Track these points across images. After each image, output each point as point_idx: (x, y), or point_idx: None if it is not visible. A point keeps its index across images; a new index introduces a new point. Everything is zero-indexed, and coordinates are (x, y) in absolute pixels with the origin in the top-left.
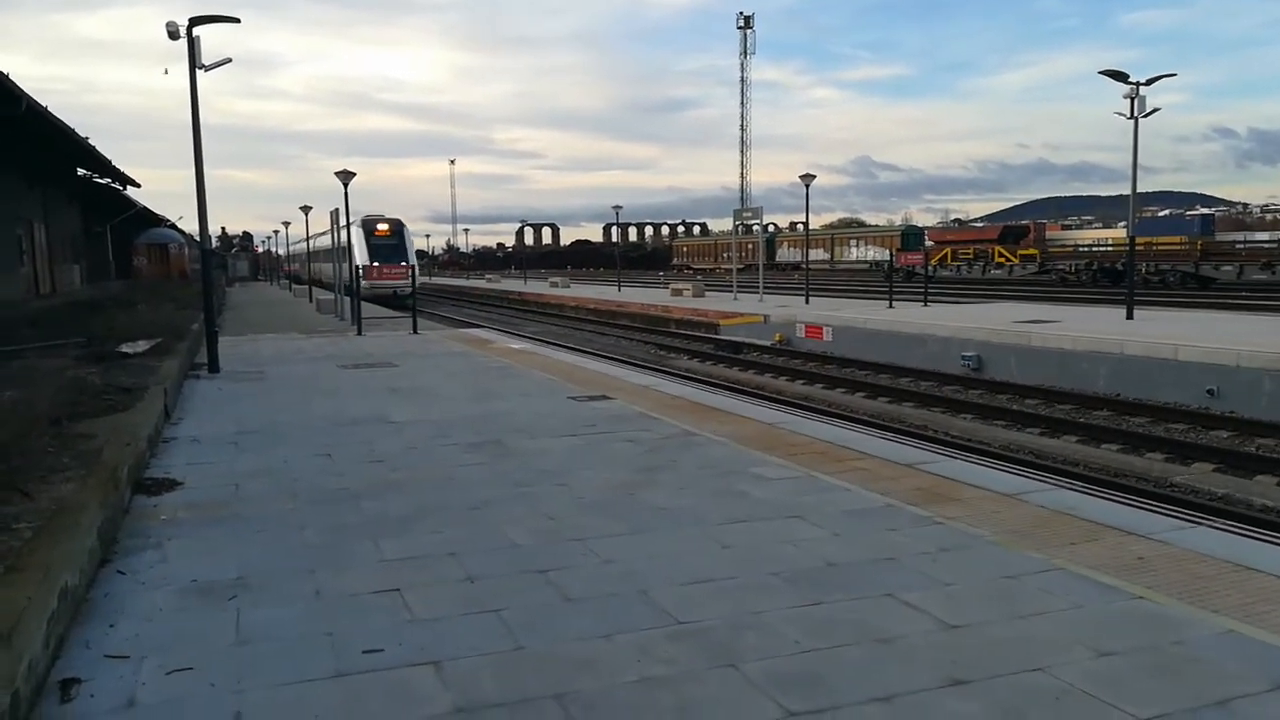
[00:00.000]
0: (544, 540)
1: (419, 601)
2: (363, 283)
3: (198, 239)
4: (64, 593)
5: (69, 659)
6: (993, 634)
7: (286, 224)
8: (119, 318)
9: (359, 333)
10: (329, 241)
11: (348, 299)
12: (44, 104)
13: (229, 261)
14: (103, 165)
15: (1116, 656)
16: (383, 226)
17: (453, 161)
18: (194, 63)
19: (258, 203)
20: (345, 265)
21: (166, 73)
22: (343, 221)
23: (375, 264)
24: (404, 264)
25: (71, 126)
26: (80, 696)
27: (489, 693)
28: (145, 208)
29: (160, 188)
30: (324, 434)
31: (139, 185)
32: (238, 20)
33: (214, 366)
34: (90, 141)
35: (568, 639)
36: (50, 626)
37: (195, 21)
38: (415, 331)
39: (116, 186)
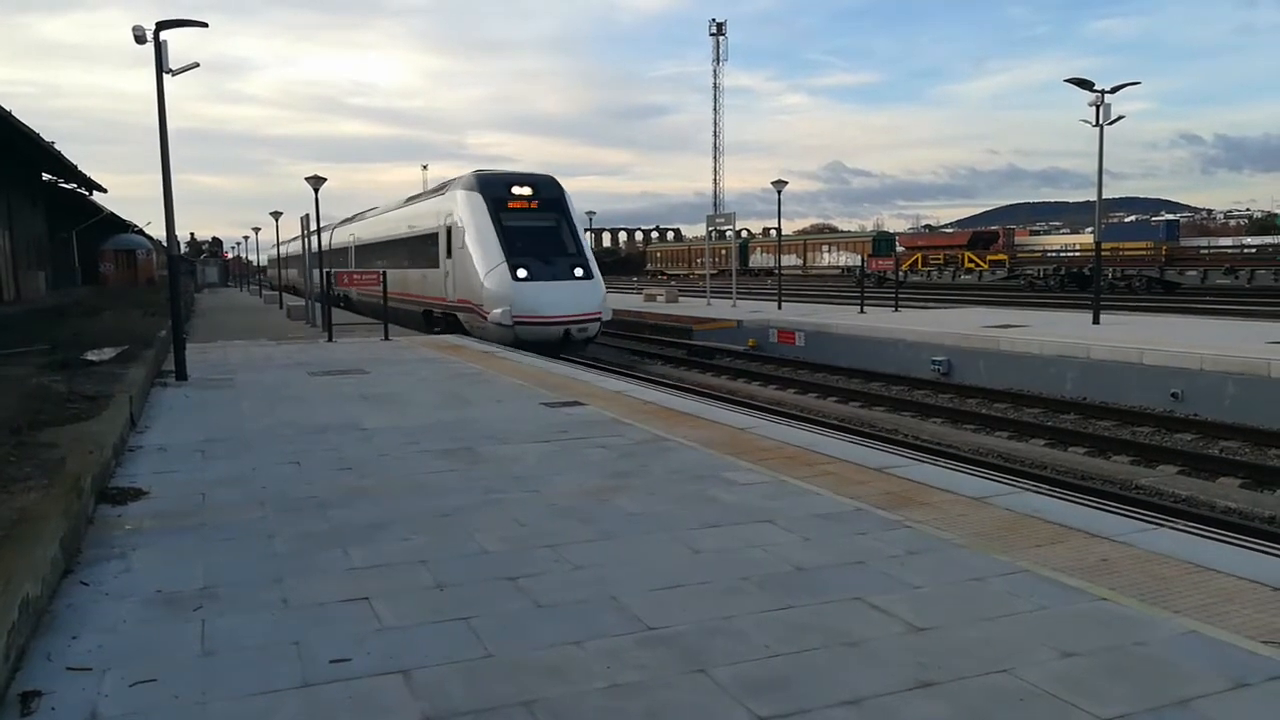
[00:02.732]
0: (515, 547)
1: (388, 610)
2: (501, 317)
3: (165, 244)
4: (25, 604)
5: (30, 671)
6: (959, 636)
7: (257, 229)
8: (84, 324)
9: (330, 339)
10: (388, 228)
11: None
12: (8, 107)
13: (198, 267)
14: (68, 170)
15: (1080, 657)
16: (521, 189)
17: (425, 167)
18: (161, 67)
19: (227, 208)
20: (438, 270)
21: None
22: (315, 224)
23: (525, 275)
24: (579, 268)
25: (36, 131)
26: (41, 710)
27: (458, 701)
28: (112, 213)
29: (127, 192)
30: (293, 442)
31: (105, 190)
32: (205, 24)
33: (182, 374)
34: (56, 146)
35: (538, 646)
36: (10, 638)
37: (162, 26)
38: (387, 338)
39: (82, 191)
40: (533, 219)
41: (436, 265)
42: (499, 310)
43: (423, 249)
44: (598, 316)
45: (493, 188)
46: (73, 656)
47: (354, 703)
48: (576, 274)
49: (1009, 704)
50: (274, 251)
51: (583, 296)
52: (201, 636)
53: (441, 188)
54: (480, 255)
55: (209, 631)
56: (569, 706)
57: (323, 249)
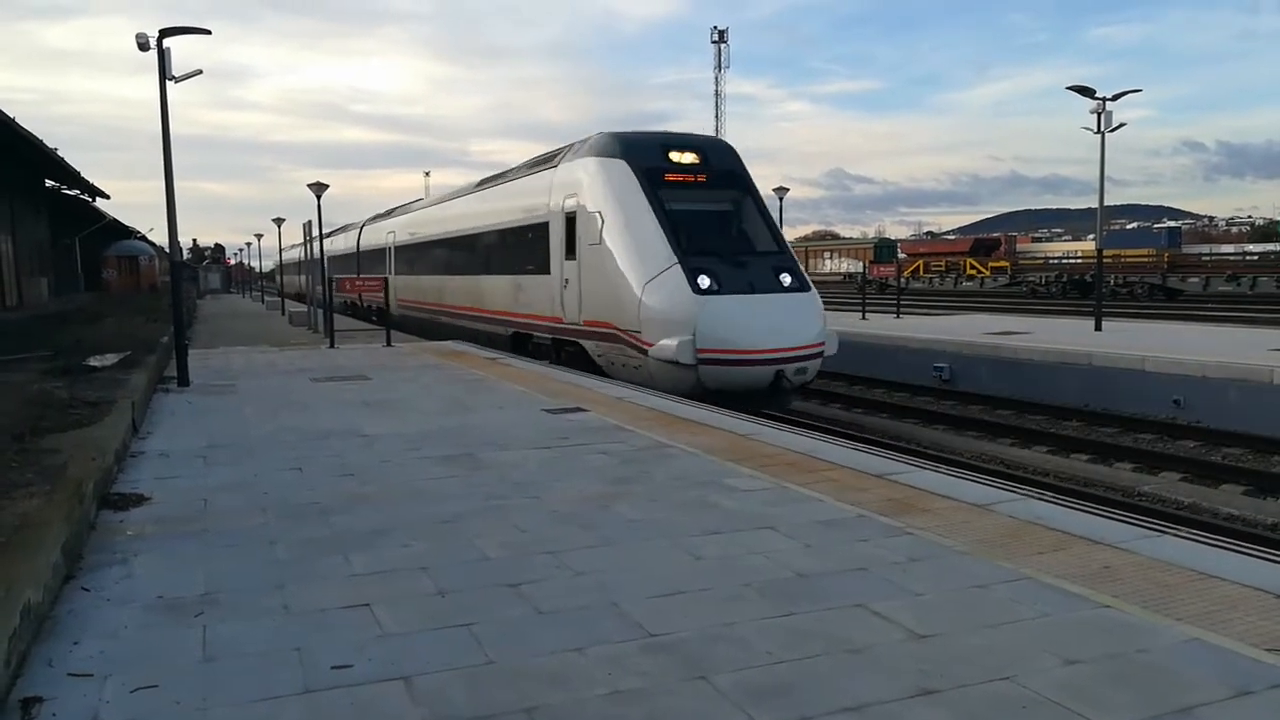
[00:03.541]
0: (516, 553)
1: (389, 616)
2: (677, 352)
3: (168, 251)
4: (26, 610)
5: (31, 677)
6: (962, 643)
7: (259, 236)
8: (87, 330)
9: (332, 345)
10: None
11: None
12: (11, 114)
13: (200, 274)
14: (71, 176)
15: (1082, 665)
16: (682, 155)
17: (428, 174)
18: (164, 74)
19: (229, 214)
20: (546, 277)
21: None
22: (322, 230)
23: (710, 286)
24: (786, 274)
25: (39, 137)
26: (42, 716)
27: (459, 708)
28: (115, 219)
29: (130, 199)
30: (295, 448)
31: (108, 197)
32: (208, 32)
33: (184, 380)
34: (59, 152)
35: (539, 653)
36: (12, 644)
37: (165, 33)
38: (389, 344)
39: (85, 198)
40: (705, 199)
41: (542, 269)
42: (672, 342)
43: (514, 247)
44: (820, 350)
45: (642, 153)
46: (74, 662)
47: (355, 709)
48: (784, 283)
49: (1011, 712)
50: (293, 254)
51: (798, 318)
52: (203, 642)
53: (549, 159)
54: (633, 254)
55: (210, 637)
56: (570, 713)
57: (358, 251)
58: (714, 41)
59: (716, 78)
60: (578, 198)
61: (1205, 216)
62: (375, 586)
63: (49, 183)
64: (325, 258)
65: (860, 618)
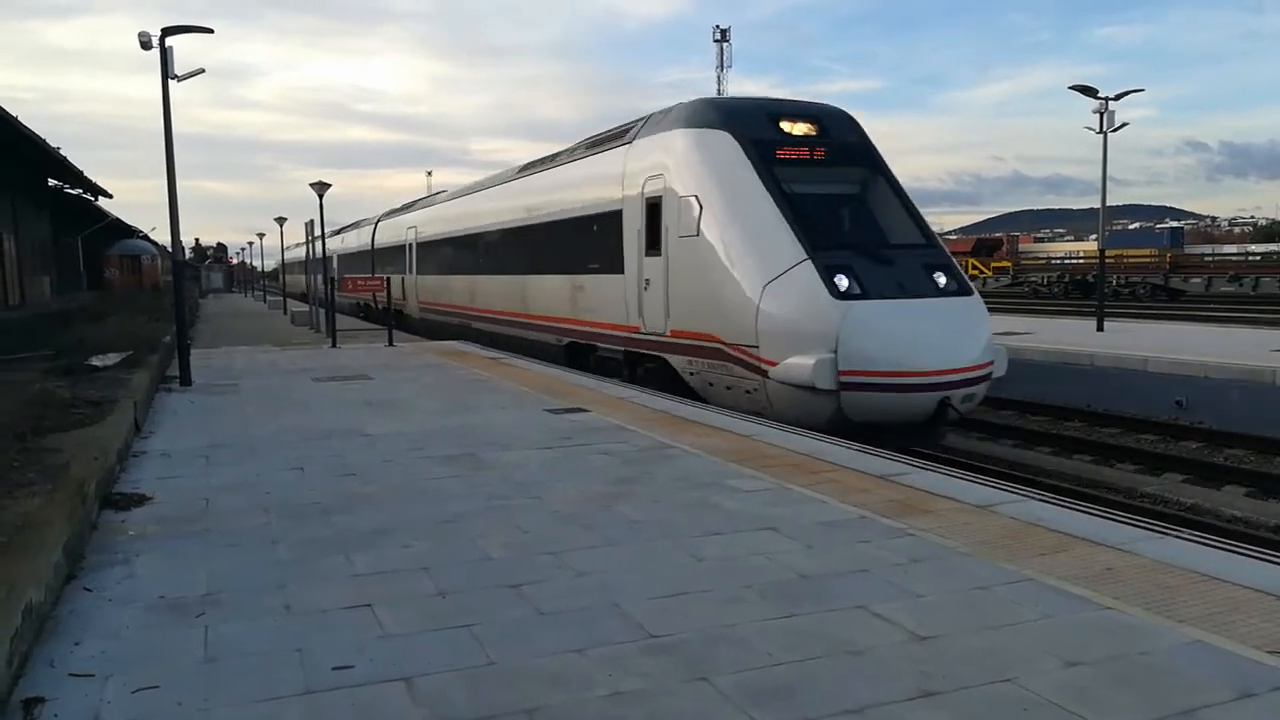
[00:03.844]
0: (517, 554)
1: (390, 616)
2: (814, 373)
3: (170, 250)
4: (28, 610)
5: (33, 678)
6: (963, 645)
7: (261, 235)
8: (89, 330)
9: (334, 345)
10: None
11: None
12: (14, 113)
13: (203, 273)
14: (74, 175)
15: (1084, 667)
16: (795, 125)
17: (430, 173)
18: (167, 73)
19: (232, 213)
20: (618, 277)
21: None
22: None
23: (851, 287)
24: (941, 273)
25: (42, 136)
26: (44, 716)
27: (460, 709)
28: (117, 218)
29: (133, 198)
30: (297, 447)
31: (111, 196)
32: (211, 30)
33: (186, 379)
34: (61, 151)
35: (540, 653)
36: (13, 645)
37: (168, 32)
38: (391, 344)
39: (88, 197)
40: (827, 179)
41: (610, 268)
42: (805, 361)
43: (572, 242)
44: (988, 371)
45: (748, 122)
46: (75, 663)
47: (356, 710)
48: (940, 284)
49: (1012, 713)
50: (296, 253)
51: (963, 330)
52: (204, 643)
53: (617, 135)
54: (746, 248)
55: (212, 638)
56: (571, 714)
57: (373, 248)
58: (716, 40)
59: (719, 77)
60: (664, 179)
61: (1208, 217)
62: (377, 587)
63: (51, 182)
64: (334, 257)
65: (862, 619)
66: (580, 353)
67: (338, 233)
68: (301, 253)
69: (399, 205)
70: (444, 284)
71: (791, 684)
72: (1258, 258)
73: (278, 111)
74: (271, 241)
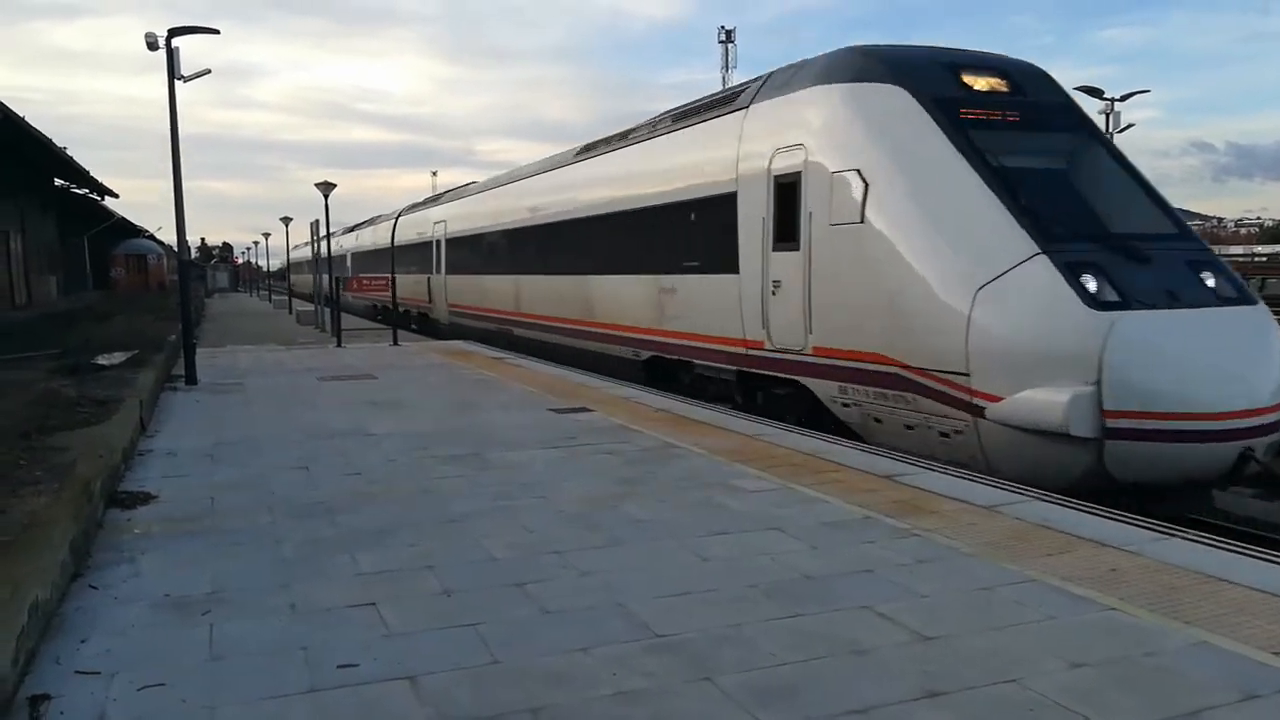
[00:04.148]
0: (522, 553)
1: (395, 615)
2: (1066, 414)
3: (176, 250)
4: (34, 608)
5: (39, 675)
6: (967, 645)
7: (267, 235)
8: (95, 329)
9: (339, 344)
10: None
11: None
12: (20, 114)
13: (208, 273)
14: (80, 175)
15: (1089, 668)
16: (980, 77)
17: (434, 173)
18: (173, 73)
19: (237, 213)
20: (729, 278)
21: None
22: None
23: (1107, 293)
24: (1209, 273)
25: (48, 136)
26: (50, 713)
27: (464, 707)
28: (123, 218)
29: (138, 198)
30: (302, 447)
31: (117, 196)
32: (217, 31)
33: (191, 378)
34: (68, 152)
35: (544, 653)
36: (19, 642)
37: (174, 32)
38: (396, 343)
39: (94, 197)
40: (1034, 149)
41: (718, 265)
42: (1057, 398)
43: (662, 234)
44: None
45: (926, 76)
46: (81, 660)
47: (361, 708)
48: (1214, 288)
49: (1017, 714)
50: (304, 252)
51: (1259, 352)
52: (210, 641)
53: (726, 99)
54: (945, 237)
55: (217, 636)
56: (576, 713)
57: (394, 245)
58: (721, 41)
59: (723, 78)
60: (803, 152)
61: (1214, 217)
62: (381, 586)
63: (58, 182)
64: (348, 255)
65: (866, 619)
66: (667, 370)
67: (352, 230)
68: (308, 252)
69: (422, 199)
70: (479, 285)
71: (796, 684)
72: (1264, 259)
73: (283, 112)
74: (277, 241)
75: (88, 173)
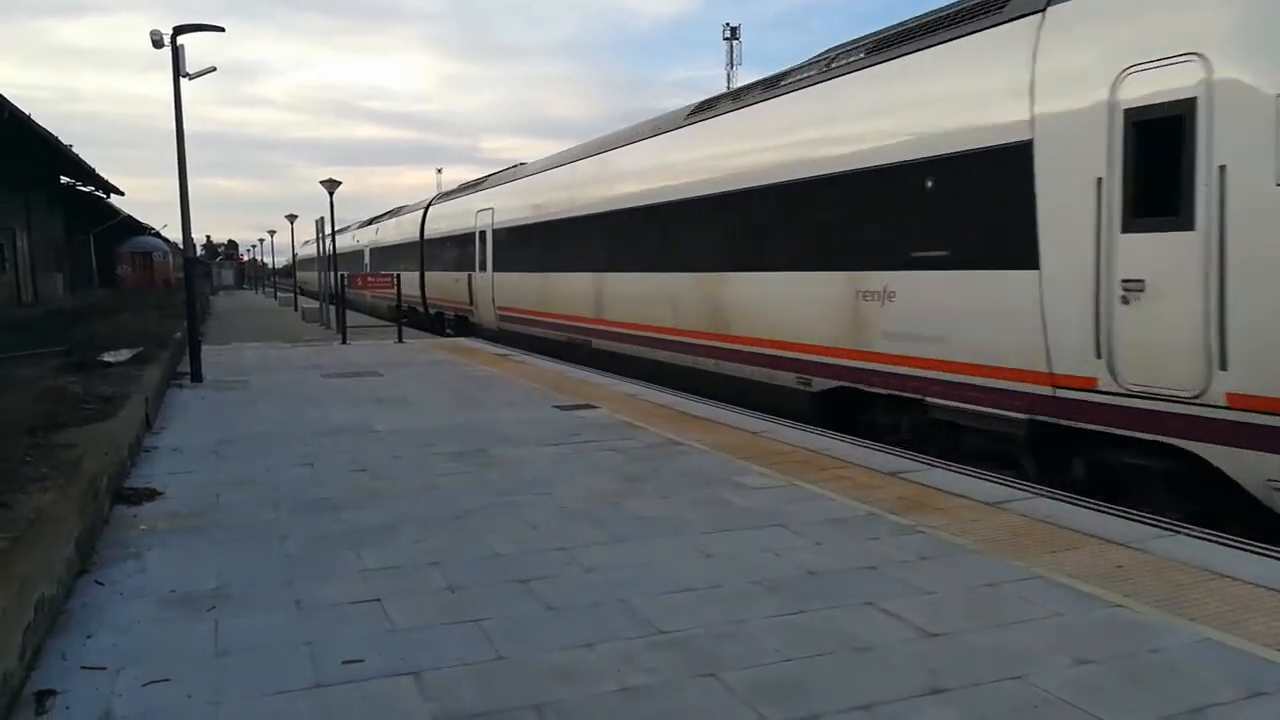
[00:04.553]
0: (526, 549)
1: (400, 611)
2: None
3: (182, 247)
4: (41, 603)
5: (45, 670)
6: (972, 642)
7: (272, 232)
8: (101, 326)
9: (344, 341)
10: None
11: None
12: (27, 111)
13: (214, 270)
14: (86, 173)
15: (1094, 665)
16: None
17: (440, 170)
18: (178, 71)
19: (242, 211)
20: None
21: None
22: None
23: None
24: None
25: (54, 134)
26: (56, 709)
27: (469, 703)
28: (129, 216)
29: (145, 195)
30: (307, 443)
31: (123, 193)
32: (222, 29)
33: (197, 375)
34: (74, 149)
35: (549, 648)
36: (26, 638)
37: (179, 30)
38: (400, 340)
39: (100, 194)
40: None
41: (981, 257)
42: None
43: (870, 212)
44: None
45: None
46: (87, 656)
47: (366, 703)
48: None
49: (1022, 711)
50: (312, 249)
51: None
52: (215, 637)
53: (976, 9)
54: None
55: (222, 632)
56: (580, 709)
57: (423, 239)
58: (726, 38)
59: (729, 75)
60: (1201, 65)
61: None
62: (386, 582)
63: (64, 179)
64: (366, 251)
65: (870, 616)
66: (858, 407)
67: (370, 223)
68: (315, 249)
69: (456, 186)
70: (543, 285)
71: (800, 680)
72: None
73: (289, 109)
74: (283, 239)
75: (94, 170)
